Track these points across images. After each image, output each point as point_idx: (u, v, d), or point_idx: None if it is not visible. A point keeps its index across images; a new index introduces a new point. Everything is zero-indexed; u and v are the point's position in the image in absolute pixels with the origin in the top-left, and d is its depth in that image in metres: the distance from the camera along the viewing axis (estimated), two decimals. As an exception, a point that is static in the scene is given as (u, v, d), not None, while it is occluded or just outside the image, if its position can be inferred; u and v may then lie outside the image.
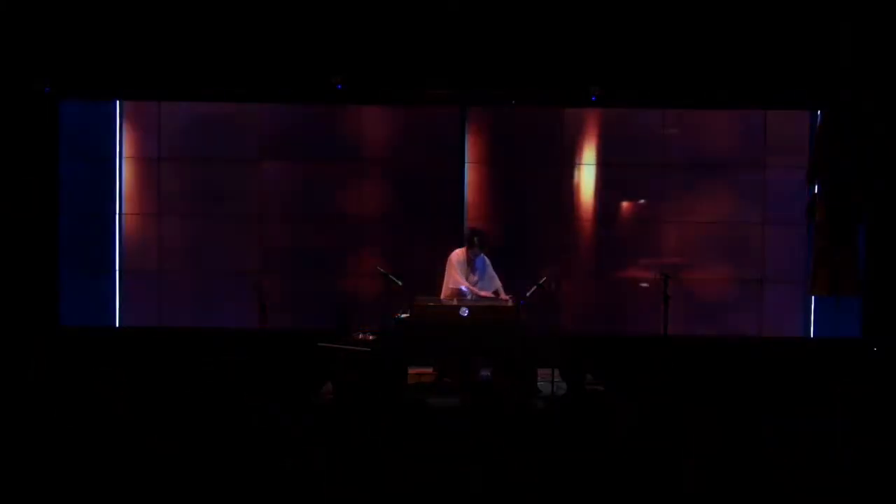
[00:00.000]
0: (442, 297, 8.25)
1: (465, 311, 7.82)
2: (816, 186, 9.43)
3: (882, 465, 5.22)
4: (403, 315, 7.97)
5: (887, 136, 9.20)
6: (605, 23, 8.86)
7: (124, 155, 9.90)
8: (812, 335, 9.83)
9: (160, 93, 9.64)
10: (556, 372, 7.72)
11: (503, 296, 8.19)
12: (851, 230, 9.27)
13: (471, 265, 8.25)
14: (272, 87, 9.47)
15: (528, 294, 8.04)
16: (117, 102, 9.86)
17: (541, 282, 8.08)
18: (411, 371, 8.16)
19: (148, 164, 9.89)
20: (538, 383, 7.95)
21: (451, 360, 8.10)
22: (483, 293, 8.15)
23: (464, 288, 8.15)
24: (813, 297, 9.69)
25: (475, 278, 8.27)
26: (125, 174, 9.90)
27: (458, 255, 8.28)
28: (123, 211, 9.92)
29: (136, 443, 5.28)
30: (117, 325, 9.92)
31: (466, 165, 9.90)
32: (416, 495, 4.06)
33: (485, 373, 8.36)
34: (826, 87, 9.14)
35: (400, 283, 8.28)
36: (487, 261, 8.37)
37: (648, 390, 7.69)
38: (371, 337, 7.92)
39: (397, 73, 9.27)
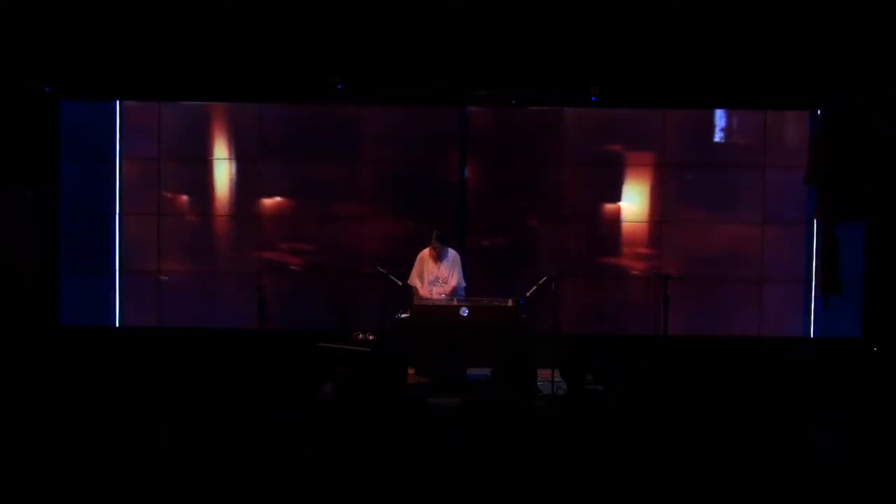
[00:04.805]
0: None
1: (465, 311, 7.84)
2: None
3: (882, 465, 5.22)
4: (403, 315, 7.98)
5: (887, 136, 9.19)
6: (605, 23, 8.86)
7: (124, 155, 9.90)
8: (812, 335, 9.82)
9: (160, 93, 9.65)
10: (556, 372, 7.71)
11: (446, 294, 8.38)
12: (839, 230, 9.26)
13: (436, 261, 8.43)
14: (272, 87, 9.48)
15: (528, 294, 8.04)
16: (117, 102, 9.86)
17: (541, 282, 8.09)
18: (411, 371, 8.16)
19: (148, 164, 9.89)
20: (538, 383, 7.94)
21: (434, 361, 8.07)
22: (423, 292, 8.36)
23: (416, 286, 8.44)
24: (813, 297, 9.68)
25: (444, 273, 8.43)
26: (125, 174, 9.91)
27: (422, 253, 8.51)
28: (123, 211, 9.92)
29: (137, 442, 5.29)
30: (117, 324, 9.92)
31: (466, 165, 9.90)
32: (416, 495, 4.06)
33: (485, 373, 8.35)
34: (826, 87, 9.14)
35: (400, 283, 8.31)
36: (454, 258, 8.50)
37: (648, 390, 7.69)
38: (371, 337, 7.92)
39: (397, 73, 9.27)
